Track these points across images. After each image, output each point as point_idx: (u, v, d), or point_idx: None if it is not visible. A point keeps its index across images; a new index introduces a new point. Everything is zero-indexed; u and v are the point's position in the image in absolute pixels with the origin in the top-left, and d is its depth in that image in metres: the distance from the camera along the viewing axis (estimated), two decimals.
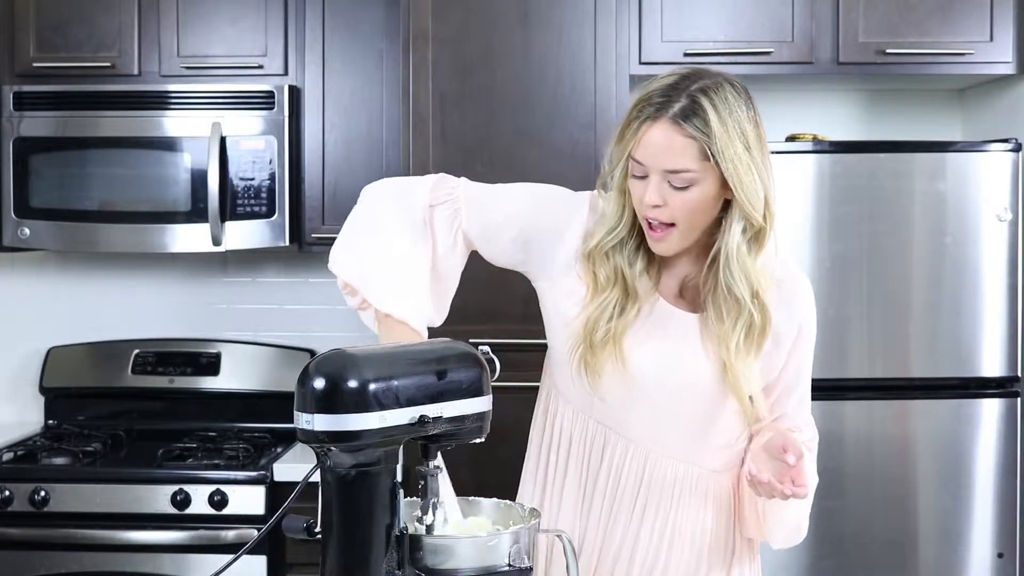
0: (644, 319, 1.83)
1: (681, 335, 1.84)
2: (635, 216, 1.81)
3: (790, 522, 1.90)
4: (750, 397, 1.83)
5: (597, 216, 1.87)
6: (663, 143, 1.73)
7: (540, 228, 1.90)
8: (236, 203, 3.37)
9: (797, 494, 1.72)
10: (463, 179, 1.98)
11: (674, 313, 1.85)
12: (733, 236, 1.76)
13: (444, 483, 1.60)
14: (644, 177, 1.76)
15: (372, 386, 1.45)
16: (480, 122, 3.12)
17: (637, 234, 1.83)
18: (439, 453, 1.58)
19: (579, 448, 1.91)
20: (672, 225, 1.76)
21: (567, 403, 1.92)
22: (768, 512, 1.86)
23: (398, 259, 1.90)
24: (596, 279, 1.84)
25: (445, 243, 1.93)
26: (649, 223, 1.78)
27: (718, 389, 1.83)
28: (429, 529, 1.54)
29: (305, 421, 1.45)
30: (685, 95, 1.73)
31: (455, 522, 1.59)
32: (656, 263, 1.86)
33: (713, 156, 1.71)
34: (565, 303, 1.87)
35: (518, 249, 1.91)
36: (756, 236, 1.77)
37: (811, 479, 1.91)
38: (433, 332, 1.89)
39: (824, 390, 2.99)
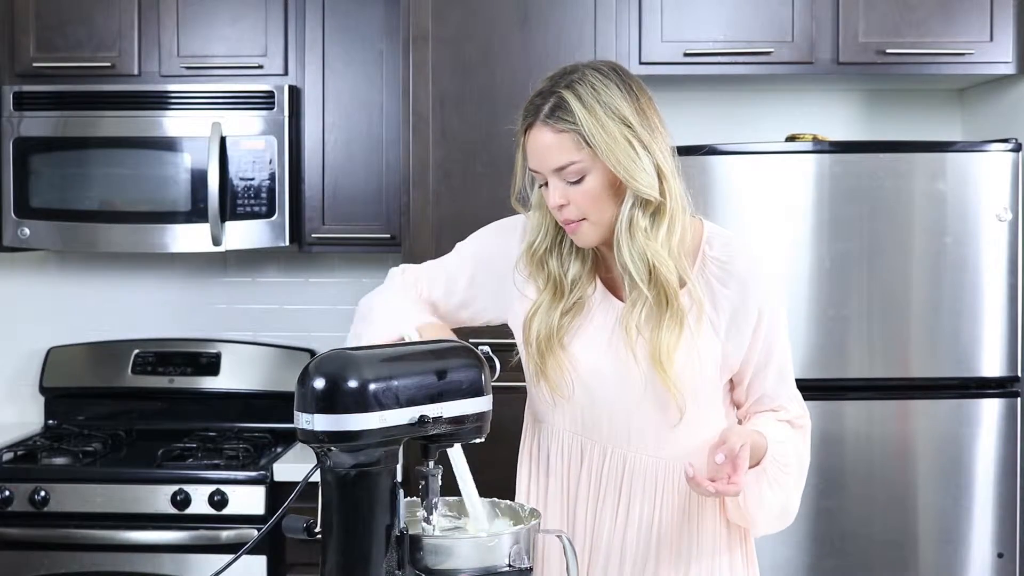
0: (587, 318, 1.87)
1: (620, 326, 1.85)
2: (557, 221, 1.86)
3: (772, 507, 1.87)
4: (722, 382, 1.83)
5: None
6: (542, 144, 1.79)
7: (489, 257, 1.96)
8: (236, 203, 3.37)
9: (722, 492, 1.71)
10: (426, 262, 2.06)
11: (613, 308, 1.87)
12: (623, 215, 1.79)
13: (465, 480, 1.62)
14: (547, 184, 1.81)
15: (372, 386, 1.45)
16: (480, 122, 3.12)
17: (567, 236, 1.87)
18: (461, 451, 1.59)
19: (558, 461, 1.93)
20: (584, 219, 1.81)
21: (542, 423, 1.95)
22: (748, 497, 1.84)
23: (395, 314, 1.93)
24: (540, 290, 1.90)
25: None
26: (564, 221, 1.83)
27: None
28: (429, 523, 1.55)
29: (305, 421, 1.45)
30: (552, 95, 1.80)
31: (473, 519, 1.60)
32: (591, 262, 1.89)
33: (587, 141, 1.76)
34: None
35: (481, 288, 1.96)
36: (656, 212, 1.80)
37: (800, 459, 1.91)
38: None
39: (824, 390, 3.00)
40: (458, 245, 2.03)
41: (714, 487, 1.71)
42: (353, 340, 1.90)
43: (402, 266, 2.06)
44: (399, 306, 1.93)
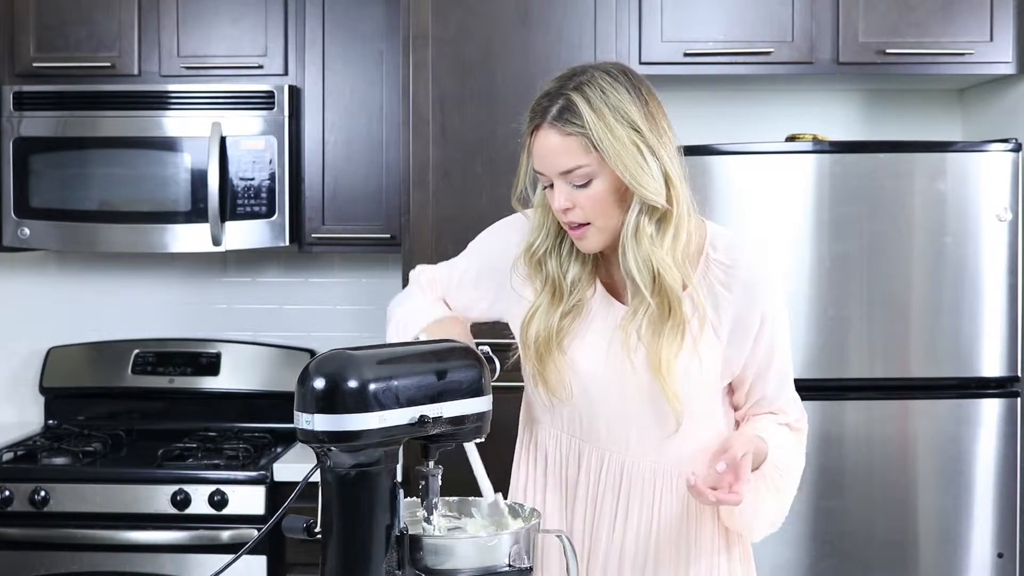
0: (587, 322, 1.85)
1: (620, 333, 1.84)
2: (559, 223, 1.84)
3: (768, 513, 1.88)
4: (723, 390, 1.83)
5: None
6: (550, 147, 1.76)
7: (489, 258, 1.96)
8: (236, 203, 3.37)
9: (723, 500, 1.70)
10: (441, 263, 2.06)
11: (613, 312, 1.86)
12: (629, 221, 1.77)
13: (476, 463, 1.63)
14: (552, 186, 1.79)
15: (372, 386, 1.45)
16: (480, 122, 3.12)
17: (568, 238, 1.85)
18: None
19: (555, 463, 1.92)
20: (588, 223, 1.79)
21: (540, 424, 1.94)
22: (746, 503, 1.82)
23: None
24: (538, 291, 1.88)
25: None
26: (568, 225, 1.81)
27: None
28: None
29: (305, 421, 1.45)
30: (560, 96, 1.76)
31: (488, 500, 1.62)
32: (591, 264, 1.87)
33: (594, 146, 1.74)
34: None
35: (485, 289, 1.96)
36: (662, 219, 1.78)
37: (797, 464, 1.91)
38: None
39: (824, 390, 3.00)
40: (469, 244, 2.03)
41: (715, 496, 1.70)
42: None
43: (420, 267, 2.07)
44: (413, 307, 1.94)
